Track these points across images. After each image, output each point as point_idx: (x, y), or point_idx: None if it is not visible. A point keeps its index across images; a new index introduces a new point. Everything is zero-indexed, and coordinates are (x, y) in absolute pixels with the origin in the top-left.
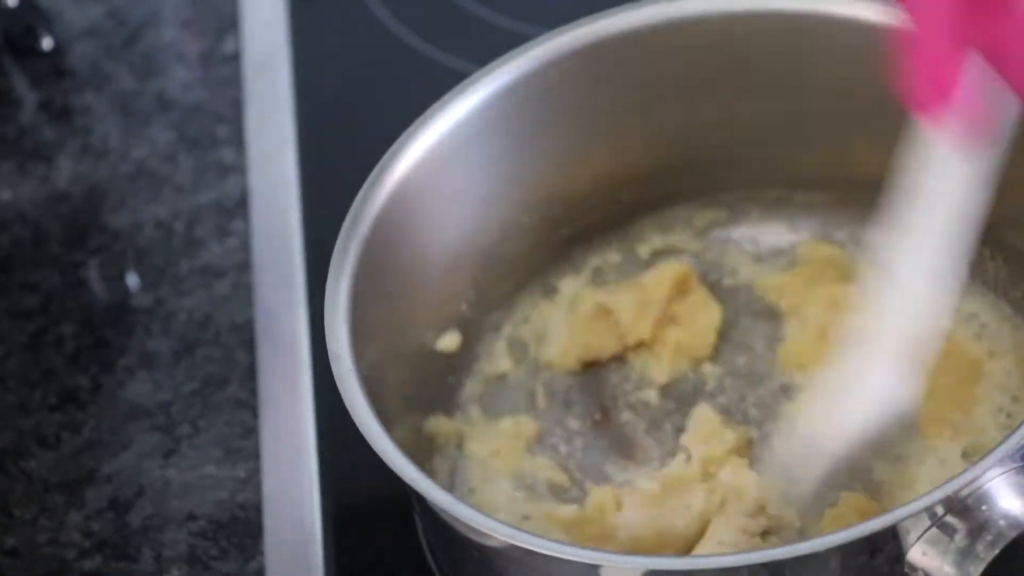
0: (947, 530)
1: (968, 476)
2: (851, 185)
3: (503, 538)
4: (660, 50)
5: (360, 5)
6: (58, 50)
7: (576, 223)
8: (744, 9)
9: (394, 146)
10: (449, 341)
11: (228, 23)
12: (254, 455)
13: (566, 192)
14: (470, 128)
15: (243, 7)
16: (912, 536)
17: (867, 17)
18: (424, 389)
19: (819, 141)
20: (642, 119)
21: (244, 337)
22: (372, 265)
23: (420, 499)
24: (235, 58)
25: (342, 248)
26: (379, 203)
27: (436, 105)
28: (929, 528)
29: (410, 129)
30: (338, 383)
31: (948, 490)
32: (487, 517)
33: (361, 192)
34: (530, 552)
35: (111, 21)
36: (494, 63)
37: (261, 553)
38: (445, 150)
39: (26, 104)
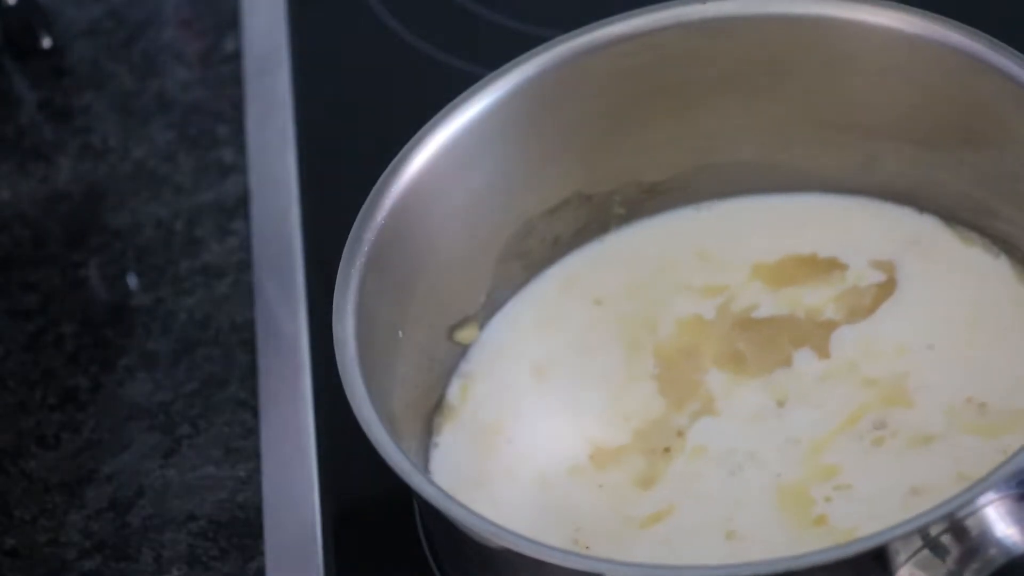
0: (938, 553)
1: (962, 500)
2: (874, 191)
3: (497, 539)
4: (681, 52)
5: (360, 5)
6: (58, 49)
7: (601, 219)
8: (767, 13)
9: (414, 138)
10: (468, 333)
11: (228, 22)
12: (254, 455)
13: (590, 190)
14: (490, 124)
15: (243, 7)
16: (901, 557)
17: (891, 24)
18: (439, 380)
19: (842, 146)
20: (665, 120)
21: (244, 337)
22: (386, 255)
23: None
24: (235, 58)
25: (355, 237)
26: (396, 193)
27: (457, 99)
28: (920, 550)
29: (431, 122)
30: (340, 370)
31: (941, 512)
32: (479, 518)
33: (378, 183)
34: (524, 556)
35: (111, 20)
36: (516, 60)
37: (261, 553)
38: (465, 145)
39: (26, 104)
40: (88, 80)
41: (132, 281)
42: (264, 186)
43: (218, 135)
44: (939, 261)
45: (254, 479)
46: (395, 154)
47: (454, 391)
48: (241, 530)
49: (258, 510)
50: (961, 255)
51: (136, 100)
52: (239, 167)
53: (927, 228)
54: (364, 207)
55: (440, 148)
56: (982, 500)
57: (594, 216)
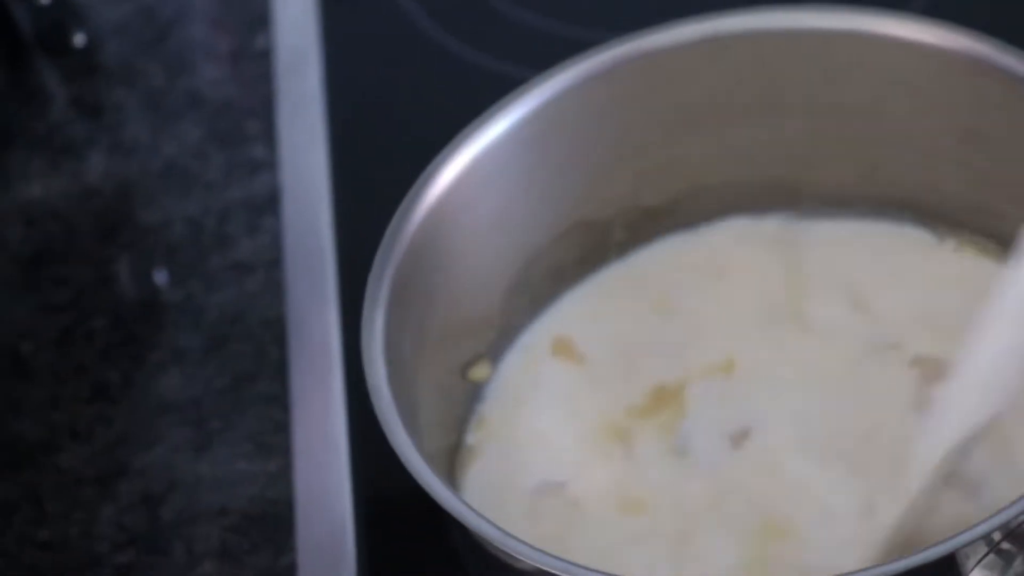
0: (1004, 556)
1: (1017, 508)
2: (873, 201)
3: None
4: (679, 72)
5: (391, 1)
6: (90, 47)
7: (602, 247)
8: (764, 28)
9: (425, 171)
10: (481, 371)
11: (259, 19)
12: (285, 450)
13: (592, 217)
14: (496, 157)
15: (274, 3)
16: (971, 563)
17: (891, 32)
18: (458, 422)
19: (842, 159)
20: (663, 143)
21: (275, 333)
22: (405, 294)
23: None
24: (266, 55)
25: (377, 276)
26: (411, 231)
27: (462, 133)
28: (987, 555)
29: (440, 155)
30: (379, 417)
31: (1004, 517)
32: (523, 544)
33: (393, 220)
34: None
35: (142, 18)
36: (514, 92)
37: (293, 548)
38: (474, 178)
39: (58, 100)
40: (119, 77)
41: (162, 277)
42: (295, 183)
43: (249, 132)
44: (943, 267)
45: (285, 474)
46: (427, 152)
47: (472, 433)
48: (273, 525)
49: (289, 505)
50: (967, 261)
51: (167, 97)
52: (270, 164)
53: (928, 236)
54: (382, 245)
55: (452, 181)
56: None
57: (596, 244)
